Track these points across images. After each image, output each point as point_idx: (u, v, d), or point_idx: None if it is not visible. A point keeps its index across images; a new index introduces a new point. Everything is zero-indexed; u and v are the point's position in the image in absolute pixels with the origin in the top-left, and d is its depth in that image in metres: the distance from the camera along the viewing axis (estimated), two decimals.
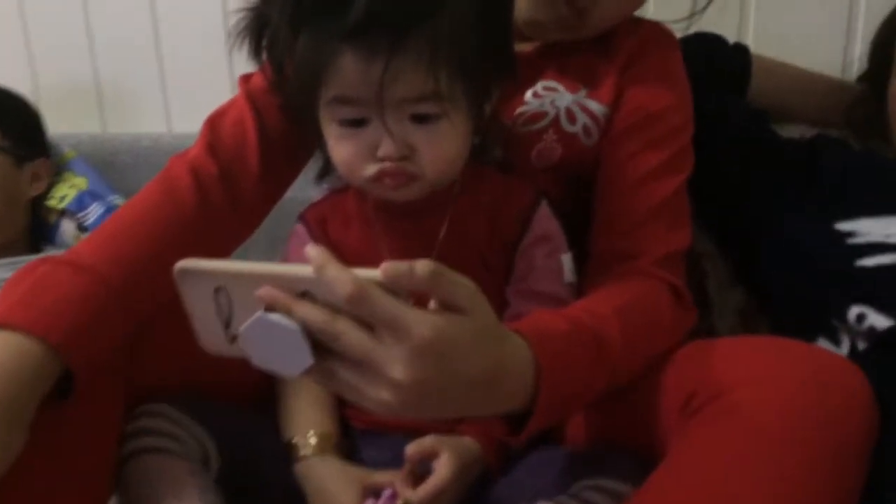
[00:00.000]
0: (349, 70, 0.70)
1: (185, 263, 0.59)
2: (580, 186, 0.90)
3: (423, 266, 0.55)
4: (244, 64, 0.81)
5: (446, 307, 0.57)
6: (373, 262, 0.80)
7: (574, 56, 0.92)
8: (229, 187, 0.84)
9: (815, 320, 0.88)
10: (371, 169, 0.74)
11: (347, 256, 0.79)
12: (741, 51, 1.12)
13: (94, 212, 1.29)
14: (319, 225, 0.87)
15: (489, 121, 0.82)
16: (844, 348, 0.84)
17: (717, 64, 1.07)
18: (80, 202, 1.30)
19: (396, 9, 0.68)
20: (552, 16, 0.88)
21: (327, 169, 0.85)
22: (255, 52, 0.78)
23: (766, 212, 0.98)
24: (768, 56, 1.16)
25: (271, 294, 0.56)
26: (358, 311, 0.55)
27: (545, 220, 0.84)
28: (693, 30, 1.02)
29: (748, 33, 1.31)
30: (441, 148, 0.74)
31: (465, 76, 0.73)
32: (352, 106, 0.72)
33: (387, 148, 0.72)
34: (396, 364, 0.55)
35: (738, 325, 1.00)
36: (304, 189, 0.94)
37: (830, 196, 0.95)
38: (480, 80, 0.76)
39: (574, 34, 0.90)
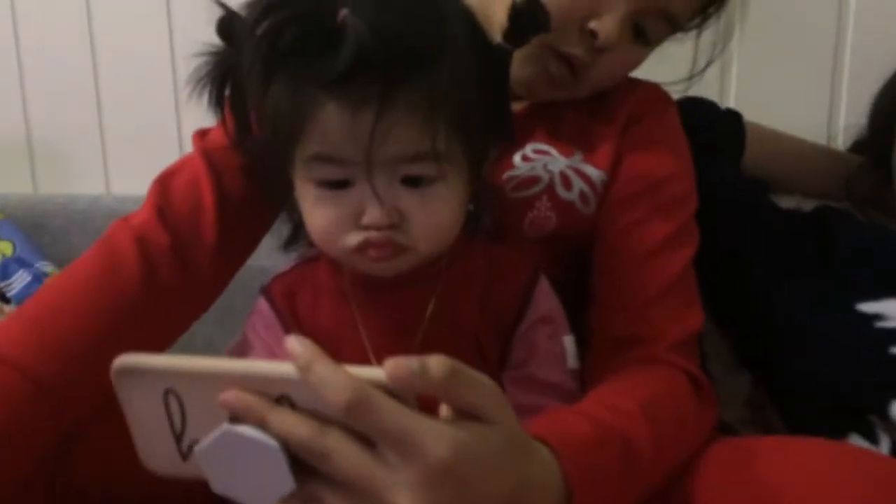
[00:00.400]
0: (333, 123, 0.61)
1: (125, 360, 0.48)
2: (574, 259, 0.83)
3: (439, 365, 0.45)
4: (194, 118, 0.73)
5: (463, 414, 0.47)
6: (348, 343, 0.72)
7: (566, 117, 0.86)
8: (181, 260, 0.74)
9: (845, 414, 0.80)
10: (353, 238, 0.65)
11: (318, 337, 0.68)
12: (734, 117, 1.07)
13: (19, 281, 1.19)
14: (286, 300, 0.77)
15: (482, 185, 0.73)
16: (884, 447, 0.76)
17: (710, 130, 1.01)
18: (4, 270, 1.20)
19: (390, 53, 0.59)
20: (542, 74, 0.82)
21: (296, 236, 0.76)
22: (217, 102, 0.69)
23: (775, 290, 0.90)
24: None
25: (240, 400, 0.46)
26: (356, 422, 0.45)
27: (546, 297, 0.76)
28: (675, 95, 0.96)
29: (729, 100, 1.27)
30: (436, 215, 0.66)
31: (465, 134, 0.65)
32: (334, 165, 0.63)
33: (373, 214, 0.63)
34: (405, 491, 0.45)
35: (748, 417, 0.91)
36: (257, 257, 0.85)
37: (847, 274, 0.88)
38: (480, 138, 0.68)
39: (566, 94, 0.84)
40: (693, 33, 0.89)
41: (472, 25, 0.67)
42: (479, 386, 0.48)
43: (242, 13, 0.63)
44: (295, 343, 0.46)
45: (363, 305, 0.74)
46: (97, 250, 0.73)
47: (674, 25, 0.83)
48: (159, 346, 0.72)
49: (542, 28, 0.72)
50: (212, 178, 0.77)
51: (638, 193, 0.81)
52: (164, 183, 0.77)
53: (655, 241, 0.79)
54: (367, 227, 0.64)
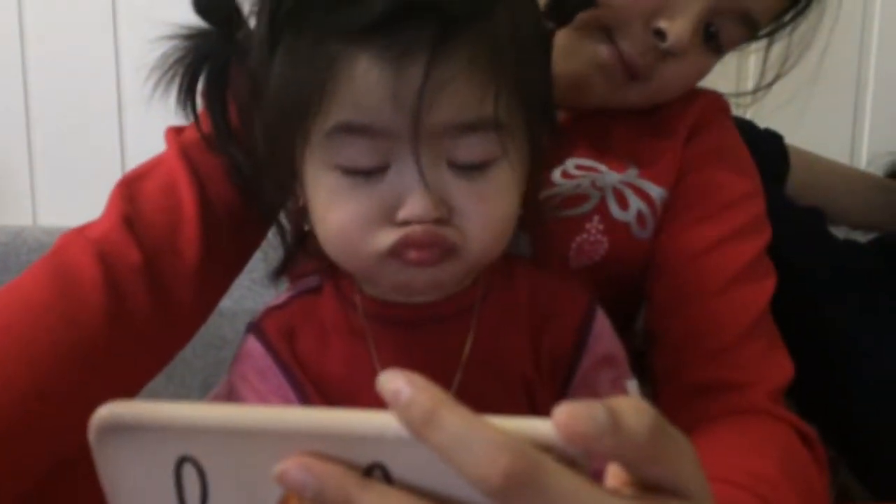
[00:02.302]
0: (367, 82, 0.49)
1: (117, 412, 0.32)
2: (612, 292, 0.70)
3: (640, 416, 0.31)
4: (142, 137, 0.65)
5: (650, 486, 0.33)
6: (365, 394, 0.57)
7: (613, 128, 0.75)
8: (156, 283, 0.60)
9: None
10: (387, 238, 0.52)
11: (328, 386, 0.60)
12: (776, 139, 0.97)
13: None
14: (284, 339, 0.62)
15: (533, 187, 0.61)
16: None
17: (753, 153, 0.91)
18: None
19: None
20: (591, 64, 0.69)
21: (292, 257, 0.63)
22: (188, 95, 0.58)
23: (849, 333, 0.80)
24: None
25: (312, 472, 0.31)
26: (513, 499, 0.30)
27: (606, 334, 0.64)
28: None
29: None
30: (494, 206, 0.54)
31: (526, 103, 0.54)
32: (365, 138, 0.51)
33: (416, 204, 0.51)
34: None
35: None
36: None
37: None
38: (541, 115, 0.57)
39: (619, 99, 0.72)
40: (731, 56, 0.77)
41: None
42: (682, 446, 0.33)
43: None
44: (399, 381, 0.30)
45: (382, 346, 0.61)
46: (45, 270, 0.58)
47: (751, 29, 0.72)
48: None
49: (589, 1, 0.61)
50: (193, 183, 0.63)
51: (707, 216, 0.71)
52: (131, 186, 0.63)
53: (733, 271, 0.68)
54: (405, 223, 0.51)
